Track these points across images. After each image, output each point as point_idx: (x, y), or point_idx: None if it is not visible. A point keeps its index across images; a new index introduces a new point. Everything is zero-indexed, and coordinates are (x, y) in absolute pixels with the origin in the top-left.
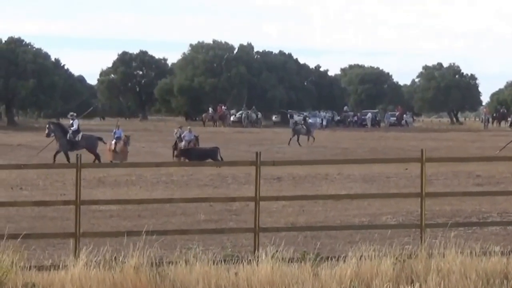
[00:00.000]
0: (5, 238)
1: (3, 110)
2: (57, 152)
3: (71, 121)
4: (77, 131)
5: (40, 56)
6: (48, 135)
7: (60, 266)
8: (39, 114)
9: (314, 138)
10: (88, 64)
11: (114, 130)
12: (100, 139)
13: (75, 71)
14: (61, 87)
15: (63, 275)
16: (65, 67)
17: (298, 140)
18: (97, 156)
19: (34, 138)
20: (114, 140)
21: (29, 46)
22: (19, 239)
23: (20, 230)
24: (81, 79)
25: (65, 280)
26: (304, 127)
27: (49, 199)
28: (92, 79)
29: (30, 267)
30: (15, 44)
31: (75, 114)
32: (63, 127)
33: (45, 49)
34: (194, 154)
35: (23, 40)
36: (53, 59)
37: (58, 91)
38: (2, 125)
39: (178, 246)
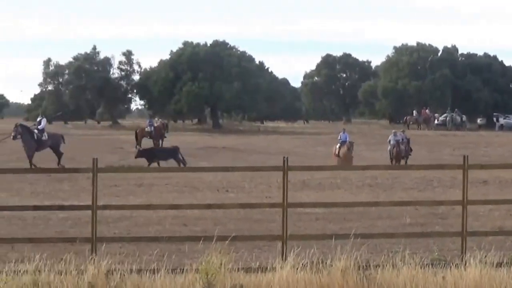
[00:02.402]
0: (214, 240)
1: (208, 113)
2: (29, 157)
3: (38, 119)
4: (42, 131)
5: (244, 59)
6: (14, 138)
7: (268, 268)
8: (243, 117)
9: None
10: (292, 67)
11: (340, 134)
12: (62, 137)
13: (279, 74)
14: (265, 90)
15: (271, 277)
16: (269, 70)
17: None
18: (60, 155)
19: (239, 141)
20: (339, 145)
21: (234, 49)
22: (227, 241)
23: (227, 232)
24: (284, 82)
25: (273, 282)
26: None
27: (254, 201)
28: (296, 82)
29: (238, 269)
30: (220, 47)
31: (44, 112)
32: (30, 129)
33: (249, 52)
34: (154, 155)
35: (227, 43)
36: (257, 62)
37: (262, 94)
38: (207, 128)
39: (385, 249)
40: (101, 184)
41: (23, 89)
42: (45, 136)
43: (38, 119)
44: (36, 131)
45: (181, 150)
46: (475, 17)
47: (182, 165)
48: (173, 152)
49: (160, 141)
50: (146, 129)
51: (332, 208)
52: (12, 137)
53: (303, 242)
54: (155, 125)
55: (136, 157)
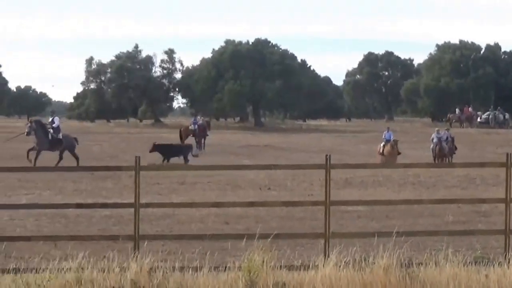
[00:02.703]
0: (256, 237)
1: (251, 111)
2: (36, 151)
3: (50, 118)
4: (58, 129)
5: (286, 57)
6: (28, 134)
7: (310, 266)
8: (285, 115)
9: None
10: (334, 65)
11: (384, 133)
12: (76, 139)
13: (321, 72)
14: (307, 88)
15: (313, 274)
16: (311, 68)
17: None
18: (77, 158)
19: (281, 139)
20: (383, 143)
21: (276, 47)
22: (269, 239)
23: (270, 230)
24: (327, 80)
25: (315, 280)
26: None
27: (297, 199)
28: (338, 80)
29: (280, 266)
30: (262, 45)
31: (55, 110)
32: (44, 126)
33: (291, 50)
34: (166, 150)
35: (269, 42)
36: (299, 60)
37: (304, 92)
38: (250, 126)
39: (427, 247)
40: (143, 182)
41: (55, 84)
42: (60, 136)
43: (50, 118)
44: (51, 130)
45: (224, 148)
46: None
47: (186, 163)
48: (186, 150)
49: (203, 140)
50: (190, 127)
51: (374, 206)
52: (26, 133)
53: (346, 240)
54: (199, 123)
55: (150, 151)
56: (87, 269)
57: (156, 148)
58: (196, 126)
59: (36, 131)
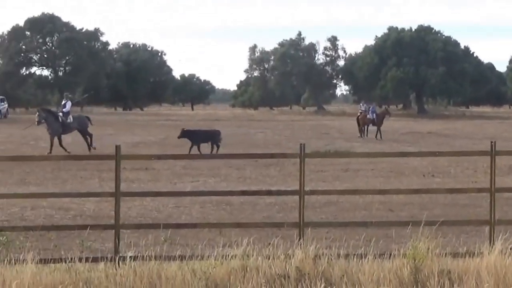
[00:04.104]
0: (422, 225)
1: (413, 98)
2: (59, 141)
3: (63, 102)
4: (67, 114)
5: (449, 44)
6: (39, 123)
7: (475, 253)
8: (449, 102)
9: None
10: (497, 51)
11: None
12: (89, 118)
13: (485, 58)
14: (470, 75)
15: (478, 262)
16: (474, 55)
17: None
18: (90, 136)
19: (444, 126)
20: None
21: (439, 34)
22: (435, 227)
23: (434, 217)
24: (490, 67)
25: (480, 267)
26: None
27: (460, 186)
28: (502, 67)
29: (445, 254)
30: (425, 32)
31: (70, 94)
32: (53, 112)
33: (454, 36)
34: (195, 136)
35: (432, 28)
36: (462, 47)
37: (467, 78)
38: (412, 113)
39: None
40: (307, 169)
41: (181, 60)
42: (70, 119)
43: (63, 102)
44: (60, 114)
45: (387, 135)
46: None
47: (215, 150)
48: (215, 135)
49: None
50: (367, 116)
51: None
52: (36, 122)
53: (511, 227)
54: (379, 111)
55: (179, 137)
56: (252, 256)
57: (185, 134)
58: (375, 114)
59: (46, 118)
